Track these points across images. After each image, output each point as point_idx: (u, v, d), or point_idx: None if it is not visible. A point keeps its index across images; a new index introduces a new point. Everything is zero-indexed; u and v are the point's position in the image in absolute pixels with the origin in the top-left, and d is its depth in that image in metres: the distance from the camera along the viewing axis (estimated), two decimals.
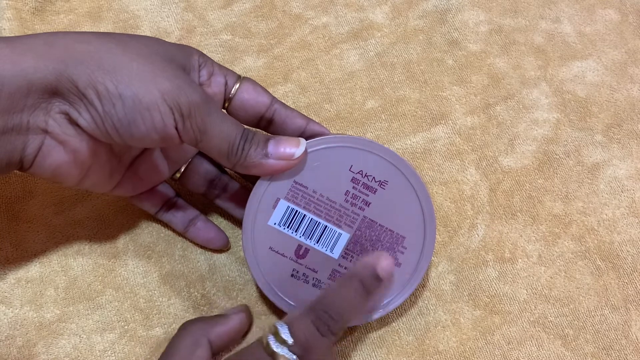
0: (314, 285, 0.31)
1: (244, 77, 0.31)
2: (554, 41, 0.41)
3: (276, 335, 0.27)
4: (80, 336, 0.33)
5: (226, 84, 0.31)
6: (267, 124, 0.32)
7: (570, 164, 0.38)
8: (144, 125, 0.26)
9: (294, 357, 0.26)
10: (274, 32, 0.41)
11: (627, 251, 0.36)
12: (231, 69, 0.34)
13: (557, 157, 0.38)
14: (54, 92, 0.26)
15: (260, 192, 0.30)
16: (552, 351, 0.34)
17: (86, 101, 0.26)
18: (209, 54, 0.40)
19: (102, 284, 0.34)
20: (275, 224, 0.31)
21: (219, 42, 0.41)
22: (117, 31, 0.41)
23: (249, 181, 0.36)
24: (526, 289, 0.35)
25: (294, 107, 0.33)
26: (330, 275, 0.31)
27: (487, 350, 0.34)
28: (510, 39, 0.41)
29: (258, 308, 0.34)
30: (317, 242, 0.31)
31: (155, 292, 0.34)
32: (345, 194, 0.31)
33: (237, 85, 0.31)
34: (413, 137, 0.38)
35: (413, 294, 0.34)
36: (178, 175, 0.34)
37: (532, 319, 0.34)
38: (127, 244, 0.35)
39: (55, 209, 0.36)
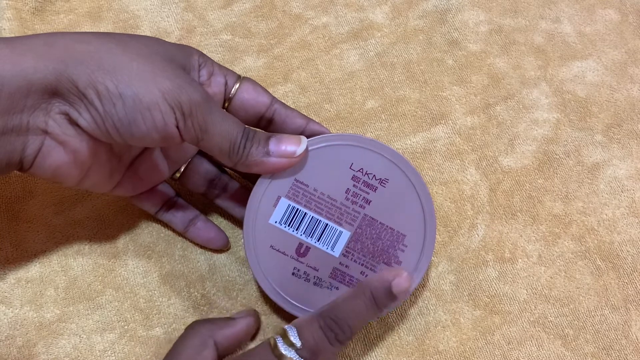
0: (315, 283, 0.31)
1: (243, 77, 0.31)
2: (554, 41, 0.41)
3: (284, 337, 0.27)
4: (80, 336, 0.33)
5: (226, 83, 0.31)
6: (267, 123, 0.32)
7: (570, 164, 0.38)
8: (144, 125, 0.26)
9: None
10: (274, 32, 0.41)
11: (627, 251, 0.36)
12: (231, 69, 0.34)
13: (557, 157, 0.38)
14: (54, 92, 0.26)
15: (261, 190, 0.30)
16: (552, 351, 0.34)
17: (86, 101, 0.26)
18: (209, 54, 0.40)
19: (102, 284, 0.34)
20: (276, 222, 0.31)
21: (219, 42, 0.41)
22: (117, 31, 0.41)
23: (249, 181, 0.36)
24: (526, 289, 0.35)
25: (294, 107, 0.33)
26: (331, 273, 0.31)
27: (487, 350, 0.34)
28: (510, 39, 0.41)
29: (258, 308, 0.34)
30: (318, 241, 0.31)
31: (155, 292, 0.34)
32: (345, 192, 0.31)
33: (237, 85, 0.31)
34: (413, 137, 0.38)
35: (413, 294, 0.35)
36: (178, 175, 0.34)
37: (532, 319, 0.34)
38: (127, 244, 0.35)
39: (55, 209, 0.36)
